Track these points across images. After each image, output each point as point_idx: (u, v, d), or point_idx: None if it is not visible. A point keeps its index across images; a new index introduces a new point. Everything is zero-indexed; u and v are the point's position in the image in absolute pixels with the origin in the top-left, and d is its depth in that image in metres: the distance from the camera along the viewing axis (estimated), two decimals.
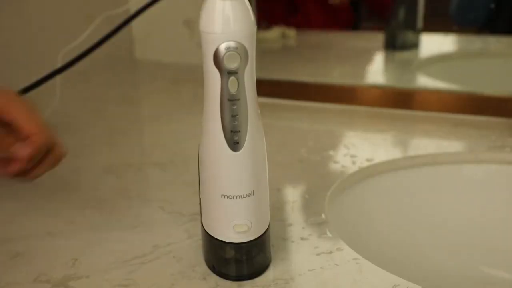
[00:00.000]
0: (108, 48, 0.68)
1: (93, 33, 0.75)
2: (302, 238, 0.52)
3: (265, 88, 0.86)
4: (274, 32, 1.10)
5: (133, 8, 0.67)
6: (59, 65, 0.63)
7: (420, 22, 1.00)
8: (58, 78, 0.67)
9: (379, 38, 1.05)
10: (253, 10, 0.41)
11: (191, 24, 1.09)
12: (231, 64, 0.40)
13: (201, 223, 0.47)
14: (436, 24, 1.01)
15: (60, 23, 0.95)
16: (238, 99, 0.41)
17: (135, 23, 0.76)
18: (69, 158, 0.71)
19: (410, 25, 1.01)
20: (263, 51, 1.05)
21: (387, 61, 1.06)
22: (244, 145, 0.42)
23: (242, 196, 0.43)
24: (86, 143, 0.76)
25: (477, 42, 1.03)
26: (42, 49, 0.92)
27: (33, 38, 0.92)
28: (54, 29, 0.94)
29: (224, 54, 0.40)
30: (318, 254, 0.49)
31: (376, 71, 1.04)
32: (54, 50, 0.85)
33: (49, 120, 0.80)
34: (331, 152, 0.70)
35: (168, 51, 1.13)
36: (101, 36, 0.67)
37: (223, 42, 0.39)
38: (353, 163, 0.67)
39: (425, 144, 0.73)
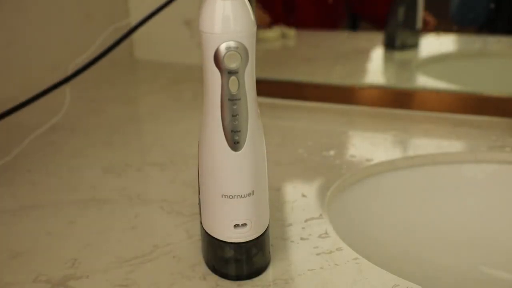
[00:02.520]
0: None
1: (88, 27, 0.76)
2: (301, 238, 0.52)
3: (265, 87, 0.87)
4: (274, 32, 1.10)
5: (134, 21, 0.69)
6: (69, 73, 0.65)
7: (419, 22, 1.00)
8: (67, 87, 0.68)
9: (378, 38, 1.05)
10: (252, 10, 0.41)
11: (191, 24, 1.09)
12: (231, 64, 0.40)
13: (201, 223, 0.47)
14: (436, 24, 1.01)
15: (66, 34, 0.96)
16: (239, 99, 0.41)
17: (135, 23, 0.76)
18: (68, 158, 0.72)
19: (410, 25, 1.01)
20: (262, 51, 1.06)
21: (387, 61, 1.06)
22: (245, 144, 0.42)
23: (243, 196, 0.43)
24: (85, 143, 0.76)
25: (477, 42, 1.03)
26: (51, 60, 0.93)
27: (43, 49, 0.93)
28: (61, 41, 0.96)
29: (225, 54, 0.40)
30: (318, 254, 0.49)
31: (376, 71, 1.04)
32: (63, 61, 0.86)
33: (50, 120, 0.80)
34: (331, 152, 0.70)
35: (168, 51, 1.13)
36: (104, 44, 0.68)
37: (223, 42, 0.40)
38: (353, 163, 0.67)
39: (425, 144, 0.73)
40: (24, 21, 0.91)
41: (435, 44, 1.05)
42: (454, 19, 1.00)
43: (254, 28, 0.41)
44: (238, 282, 0.46)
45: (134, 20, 0.80)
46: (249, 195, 0.43)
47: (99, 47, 0.68)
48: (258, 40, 0.42)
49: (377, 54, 1.07)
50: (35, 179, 0.66)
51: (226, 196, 0.43)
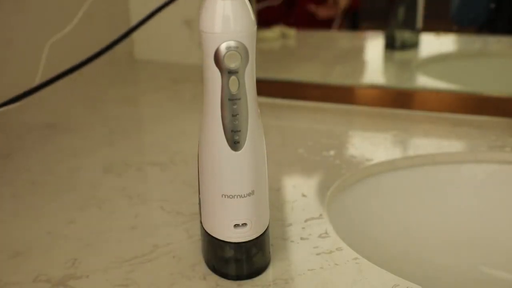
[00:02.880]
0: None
1: (88, 27, 0.75)
2: (301, 238, 0.52)
3: (265, 87, 0.87)
4: (274, 32, 1.10)
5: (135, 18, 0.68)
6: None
7: (419, 22, 1.00)
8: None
9: (378, 38, 1.05)
10: (253, 9, 0.41)
11: (191, 24, 1.09)
12: (231, 63, 0.40)
13: (201, 222, 0.47)
14: (436, 24, 1.01)
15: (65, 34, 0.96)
16: (239, 99, 0.41)
17: (134, 22, 0.77)
18: (68, 158, 0.72)
19: (410, 25, 1.01)
20: (262, 51, 1.06)
21: (387, 61, 1.06)
22: (245, 144, 0.42)
23: (243, 196, 0.43)
24: (85, 143, 0.76)
25: (477, 42, 1.03)
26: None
27: (41, 48, 0.93)
28: (60, 40, 0.95)
29: (225, 54, 0.40)
30: (317, 254, 0.49)
31: (376, 71, 1.04)
32: (61, 59, 0.85)
33: (50, 120, 0.80)
34: (331, 152, 0.70)
35: (167, 51, 1.13)
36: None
37: (223, 42, 0.40)
38: (353, 163, 0.67)
39: (425, 144, 0.73)
40: (23, 20, 0.90)
41: (435, 44, 1.05)
42: (454, 19, 1.00)
43: (254, 27, 0.41)
44: (238, 282, 0.46)
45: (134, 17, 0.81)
46: (249, 195, 0.43)
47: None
48: (258, 40, 0.42)
49: (377, 54, 1.07)
50: (35, 179, 0.66)
51: (226, 196, 0.43)
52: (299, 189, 0.61)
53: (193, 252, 0.50)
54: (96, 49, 0.65)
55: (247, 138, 0.42)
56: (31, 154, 0.73)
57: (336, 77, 0.98)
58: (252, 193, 0.43)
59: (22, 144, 0.75)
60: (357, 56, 1.08)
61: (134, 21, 0.95)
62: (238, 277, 0.46)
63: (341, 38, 1.12)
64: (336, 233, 0.52)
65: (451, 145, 0.72)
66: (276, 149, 0.71)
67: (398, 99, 0.84)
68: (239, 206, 0.43)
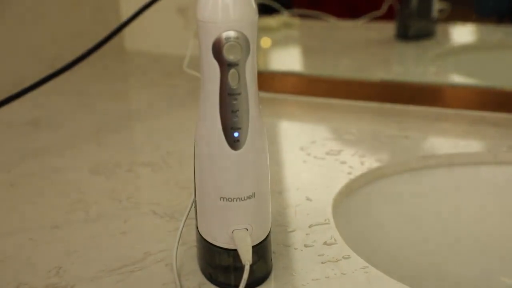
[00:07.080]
0: (96, 39, 0.68)
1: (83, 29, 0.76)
2: (305, 245, 0.52)
3: (266, 81, 0.87)
4: (276, 21, 1.10)
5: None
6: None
7: (435, 10, 1.00)
8: None
9: (390, 27, 1.05)
10: None
11: (186, 12, 1.09)
12: (231, 55, 0.40)
13: (197, 227, 0.47)
14: (453, 13, 1.01)
15: (54, 24, 0.96)
16: (239, 94, 0.41)
17: (125, 11, 0.77)
18: (53, 157, 0.72)
19: (425, 13, 1.01)
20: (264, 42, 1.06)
21: (399, 53, 1.06)
22: (245, 143, 0.42)
23: (243, 199, 0.43)
24: (71, 141, 0.77)
25: (498, 32, 1.04)
26: (40, 53, 0.93)
27: (30, 41, 0.93)
28: (49, 32, 0.95)
29: (224, 45, 0.40)
30: (323, 263, 0.50)
31: (387, 63, 1.04)
32: (52, 54, 0.86)
33: (32, 116, 0.80)
34: (338, 152, 0.70)
35: (160, 42, 1.13)
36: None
37: (222, 32, 0.40)
38: (362, 163, 0.67)
39: (440, 144, 0.73)
40: (12, 14, 0.91)
41: (452, 34, 1.05)
42: (474, 8, 1.00)
43: (255, 16, 0.41)
44: None
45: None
46: (249, 197, 0.44)
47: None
48: (259, 30, 0.42)
49: (389, 45, 1.07)
50: (16, 180, 0.66)
51: (225, 199, 0.43)
52: (303, 192, 0.62)
53: (187, 260, 0.50)
54: (84, 39, 0.66)
55: (247, 136, 0.42)
56: (12, 153, 0.73)
57: (343, 70, 0.98)
58: (253, 195, 0.44)
59: (1, 142, 0.75)
60: (366, 47, 1.08)
61: (124, 11, 0.96)
62: (237, 287, 0.46)
63: (350, 28, 1.12)
64: (343, 240, 0.53)
65: (469, 145, 0.72)
66: (278, 148, 0.71)
67: (411, 95, 0.85)
68: (239, 210, 0.44)
